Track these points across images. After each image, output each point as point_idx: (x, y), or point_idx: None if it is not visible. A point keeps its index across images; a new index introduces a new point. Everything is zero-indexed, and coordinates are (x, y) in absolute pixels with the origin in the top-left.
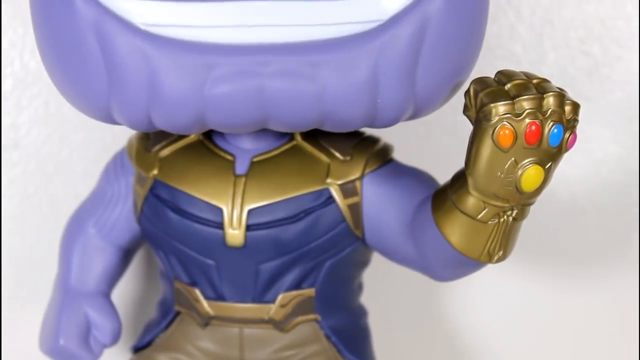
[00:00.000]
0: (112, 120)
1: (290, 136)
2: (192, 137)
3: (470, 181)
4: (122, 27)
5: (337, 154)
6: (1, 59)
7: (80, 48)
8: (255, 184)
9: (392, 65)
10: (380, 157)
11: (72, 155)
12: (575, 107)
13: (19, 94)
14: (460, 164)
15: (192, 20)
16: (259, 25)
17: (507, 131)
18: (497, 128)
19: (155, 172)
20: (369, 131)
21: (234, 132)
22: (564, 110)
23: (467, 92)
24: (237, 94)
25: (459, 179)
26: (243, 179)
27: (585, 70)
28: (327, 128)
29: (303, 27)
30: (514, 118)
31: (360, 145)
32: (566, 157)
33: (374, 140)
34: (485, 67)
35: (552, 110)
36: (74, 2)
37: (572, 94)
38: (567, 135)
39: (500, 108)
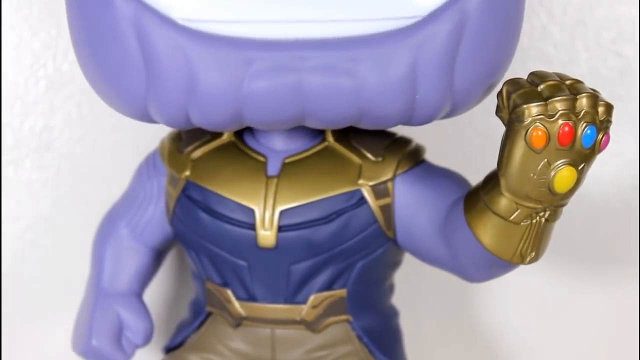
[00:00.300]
0: (148, 119)
1: (322, 137)
2: (224, 138)
3: (502, 182)
4: (161, 23)
5: (369, 155)
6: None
7: (119, 45)
8: (287, 185)
9: (431, 62)
10: (412, 158)
11: (104, 156)
12: (609, 108)
13: (52, 96)
14: (492, 165)
15: (230, 15)
16: (297, 21)
17: (540, 132)
18: (530, 129)
19: (187, 173)
20: (400, 132)
21: (270, 129)
22: (597, 111)
23: (499, 93)
24: (275, 89)
25: (492, 180)
26: (275, 180)
27: (617, 71)
28: (363, 125)
29: (342, 23)
30: (547, 119)
31: (392, 146)
32: (599, 157)
33: (406, 141)
34: (518, 67)
35: (585, 112)
36: None
37: (604, 95)
38: (600, 136)
39: (533, 109)
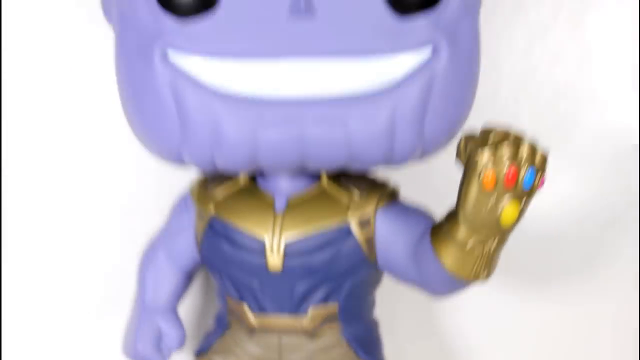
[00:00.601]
0: (181, 162)
1: (317, 179)
2: (241, 182)
3: (461, 216)
4: (193, 85)
5: (355, 195)
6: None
7: (158, 102)
8: (290, 220)
9: (406, 116)
10: (389, 197)
11: (147, 195)
12: (544, 156)
13: None
14: (453, 201)
15: (247, 78)
16: (301, 82)
17: (490, 174)
18: (482, 172)
19: (212, 210)
20: (379, 175)
21: (279, 171)
22: (535, 158)
23: (458, 143)
24: (283, 138)
25: (452, 214)
26: (281, 216)
27: (554, 123)
28: (353, 166)
29: (335, 85)
30: (496, 163)
31: (373, 187)
32: (538, 194)
33: (383, 184)
34: (473, 120)
35: (526, 158)
36: (154, 64)
37: (542, 143)
38: (538, 178)
39: (485, 155)
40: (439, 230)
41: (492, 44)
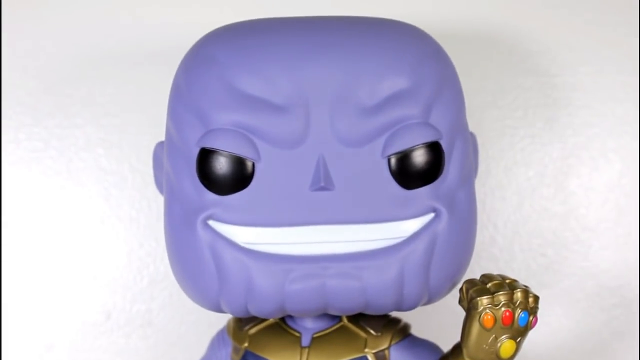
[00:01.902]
0: (219, 310)
1: (339, 319)
2: (271, 320)
3: (464, 350)
4: (229, 246)
5: (372, 331)
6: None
7: (199, 261)
8: (315, 354)
9: (413, 268)
10: (402, 332)
11: (188, 330)
12: (536, 298)
13: (153, 288)
14: (457, 337)
15: (275, 239)
16: (321, 242)
17: (489, 317)
18: (482, 315)
19: (246, 344)
20: (393, 314)
21: (303, 316)
22: (528, 301)
23: (460, 289)
24: (307, 289)
25: (457, 349)
26: (307, 350)
27: (543, 266)
28: (368, 312)
29: (352, 243)
30: (493, 307)
31: (388, 324)
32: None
33: (397, 321)
34: (474, 266)
35: (520, 302)
36: (196, 231)
37: (533, 283)
38: (531, 318)
39: (484, 301)
40: None
41: (488, 202)
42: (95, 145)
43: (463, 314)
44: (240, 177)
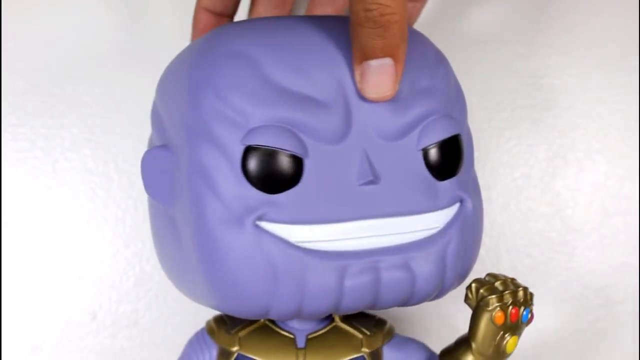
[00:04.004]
0: (260, 315)
1: (330, 319)
2: (260, 322)
3: (473, 346)
4: (283, 245)
5: (366, 331)
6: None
7: (250, 263)
8: (312, 355)
9: (453, 256)
10: (390, 332)
11: (173, 331)
12: (532, 295)
13: (138, 289)
14: (452, 334)
15: (329, 236)
16: (372, 236)
17: (500, 314)
18: (494, 312)
19: (237, 347)
20: (379, 314)
21: (349, 312)
22: (528, 298)
23: (469, 288)
24: (365, 284)
25: (464, 344)
26: (303, 351)
27: (529, 267)
28: (409, 304)
29: (399, 235)
30: (504, 305)
31: (377, 324)
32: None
33: (384, 321)
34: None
35: (523, 299)
36: (246, 232)
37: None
38: (530, 314)
39: (495, 299)
40: (450, 356)
41: None
42: (82, 145)
43: (457, 316)
44: (290, 174)
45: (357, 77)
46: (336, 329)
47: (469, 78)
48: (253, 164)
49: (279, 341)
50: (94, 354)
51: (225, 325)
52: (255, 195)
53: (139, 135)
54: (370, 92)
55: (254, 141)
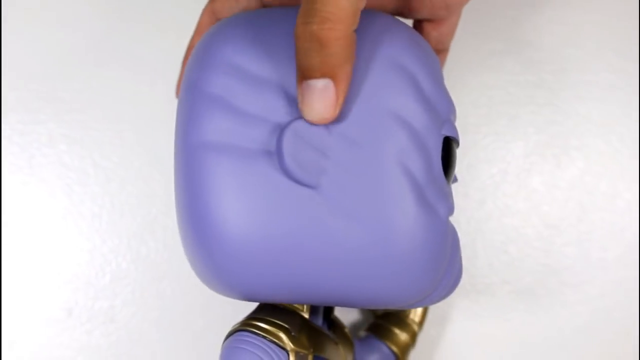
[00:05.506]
0: (408, 304)
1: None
2: (303, 320)
3: None
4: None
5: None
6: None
7: (442, 247)
8: (342, 345)
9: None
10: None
11: (150, 327)
12: None
13: (115, 285)
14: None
15: None
16: None
17: None
18: None
19: (311, 349)
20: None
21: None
22: None
23: None
24: None
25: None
26: (338, 343)
27: (505, 263)
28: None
29: None
30: None
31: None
32: None
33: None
34: None
35: None
36: (442, 218)
37: (496, 280)
38: None
39: None
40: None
41: None
42: (58, 141)
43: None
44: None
45: (299, 97)
46: (334, 323)
47: (446, 74)
48: (449, 154)
49: (324, 336)
50: (71, 350)
51: (282, 328)
52: (446, 183)
53: (115, 131)
54: (308, 114)
55: (450, 132)
